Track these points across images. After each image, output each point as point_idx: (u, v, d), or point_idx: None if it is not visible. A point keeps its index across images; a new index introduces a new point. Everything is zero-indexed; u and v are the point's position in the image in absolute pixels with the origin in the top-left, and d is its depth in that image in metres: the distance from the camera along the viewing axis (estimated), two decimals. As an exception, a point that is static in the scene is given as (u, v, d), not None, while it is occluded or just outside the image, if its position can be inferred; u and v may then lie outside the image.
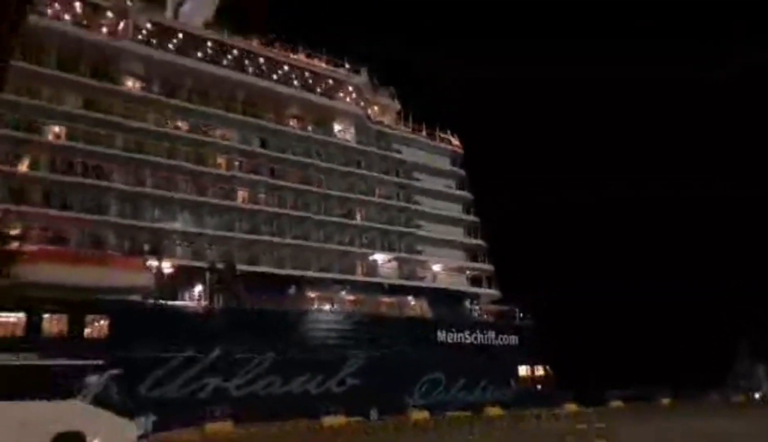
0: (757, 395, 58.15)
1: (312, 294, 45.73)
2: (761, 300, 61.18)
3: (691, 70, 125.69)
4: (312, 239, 47.30)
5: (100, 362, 16.73)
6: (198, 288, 38.73)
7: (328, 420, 33.62)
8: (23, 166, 37.14)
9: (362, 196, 51.13)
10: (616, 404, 46.80)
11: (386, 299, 50.00)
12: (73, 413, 15.68)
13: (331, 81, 51.53)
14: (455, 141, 60.37)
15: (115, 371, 16.63)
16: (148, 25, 42.27)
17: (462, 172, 59.65)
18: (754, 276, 65.16)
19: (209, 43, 45.21)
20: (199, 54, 45.00)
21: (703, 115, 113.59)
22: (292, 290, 44.58)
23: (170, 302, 36.91)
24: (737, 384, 61.20)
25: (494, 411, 41.38)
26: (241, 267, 40.82)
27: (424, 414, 37.66)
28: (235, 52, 46.22)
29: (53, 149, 38.42)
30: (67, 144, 38.73)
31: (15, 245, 32.92)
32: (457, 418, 37.04)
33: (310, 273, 45.84)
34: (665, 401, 49.57)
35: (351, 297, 48.05)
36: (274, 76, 48.49)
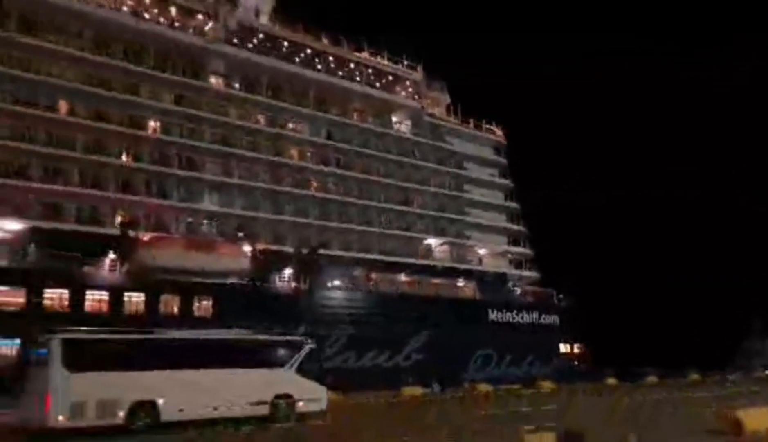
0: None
1: (375, 276, 49.62)
2: None
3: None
4: (374, 225, 51.03)
5: (301, 337, 20.65)
6: (287, 271, 42.53)
7: (408, 391, 37.45)
8: (129, 159, 40.79)
9: (418, 185, 54.75)
10: (651, 379, 50.69)
11: (438, 281, 53.90)
12: (285, 378, 19.70)
13: (390, 77, 54.91)
14: (498, 132, 63.83)
15: (310, 346, 20.55)
16: (233, 26, 45.47)
17: (504, 161, 63.22)
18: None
19: (285, 43, 48.46)
20: (275, 52, 48.29)
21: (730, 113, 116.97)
22: (357, 272, 48.45)
23: (263, 284, 40.81)
24: (748, 361, 64.29)
25: (547, 385, 45.40)
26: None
27: (488, 387, 41.62)
28: (308, 50, 49.50)
29: (152, 143, 42.04)
30: (165, 138, 42.33)
31: (135, 232, 36.83)
32: (517, 390, 40.95)
33: (374, 256, 49.65)
34: (694, 377, 53.39)
35: (408, 279, 51.93)
36: (340, 73, 51.85)
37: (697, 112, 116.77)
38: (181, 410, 17.35)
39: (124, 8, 42.89)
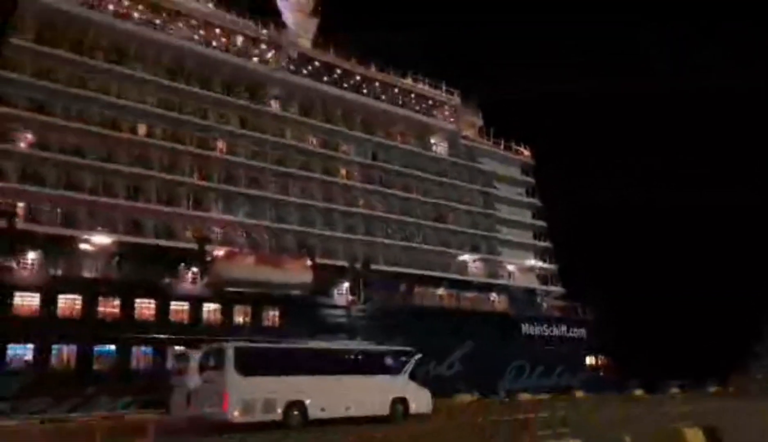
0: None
1: (418, 289, 52.71)
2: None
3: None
4: (414, 241, 54.18)
5: (409, 348, 23.77)
6: (344, 285, 45.62)
7: (459, 398, 40.48)
8: (200, 178, 43.90)
9: (453, 203, 57.98)
10: (674, 391, 53.79)
11: (472, 295, 57.04)
12: (401, 384, 22.78)
13: (430, 101, 58.30)
14: (526, 152, 67.19)
15: (418, 355, 23.66)
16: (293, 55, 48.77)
17: (531, 180, 66.53)
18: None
19: (337, 70, 51.78)
20: (328, 78, 51.62)
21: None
22: (402, 287, 51.53)
23: (323, 297, 43.92)
24: (762, 366, 66.76)
25: (580, 394, 48.45)
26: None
27: (528, 395, 44.67)
28: (357, 77, 52.83)
29: (220, 163, 45.18)
30: (231, 158, 45.49)
31: (212, 247, 39.94)
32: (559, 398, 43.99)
33: (416, 271, 52.75)
34: (714, 388, 56.45)
35: (446, 293, 55.05)
36: (384, 97, 55.18)
37: (724, 123, 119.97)
38: (322, 410, 20.36)
39: (196, 37, 46.14)
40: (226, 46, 46.29)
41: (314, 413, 20.18)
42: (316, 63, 50.66)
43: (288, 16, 54.32)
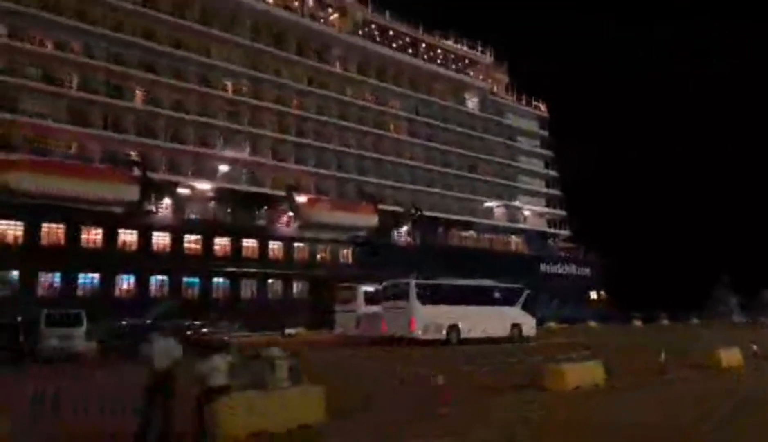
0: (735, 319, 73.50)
1: (455, 232, 59.62)
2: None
3: None
4: (452, 190, 60.66)
5: (521, 285, 30.69)
6: (403, 228, 52.14)
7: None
8: (280, 132, 49.08)
9: (483, 155, 64.33)
10: (665, 322, 62.73)
11: (494, 237, 64.33)
12: (516, 313, 29.77)
13: (466, 60, 63.70)
14: (542, 107, 73.49)
15: (528, 291, 30.61)
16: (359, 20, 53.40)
17: (546, 133, 73.15)
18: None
19: (391, 32, 56.59)
20: (381, 40, 56.46)
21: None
22: (441, 230, 58.33)
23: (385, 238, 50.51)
24: (715, 309, 76.82)
25: (593, 325, 56.84)
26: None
27: (553, 323, 52.63)
28: (406, 39, 57.76)
29: (294, 119, 50.28)
30: (303, 114, 50.61)
31: (300, 196, 45.77)
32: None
33: (452, 216, 59.44)
34: (695, 321, 65.59)
35: (474, 235, 62.14)
36: (425, 57, 60.41)
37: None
38: (469, 331, 27.23)
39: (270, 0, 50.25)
40: (301, 11, 50.51)
41: (465, 334, 27.06)
42: (372, 26, 55.26)
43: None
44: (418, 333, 25.55)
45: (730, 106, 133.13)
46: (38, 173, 33.25)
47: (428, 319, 26.01)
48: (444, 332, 26.46)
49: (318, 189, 50.78)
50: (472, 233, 61.67)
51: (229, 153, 45.35)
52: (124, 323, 25.83)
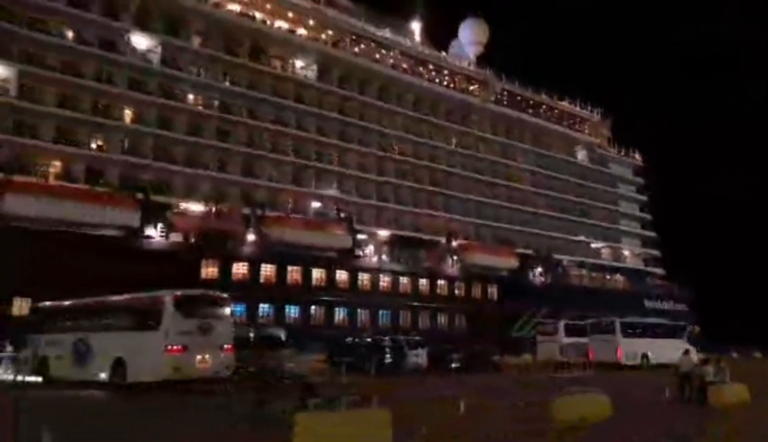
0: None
1: (567, 270, 67.48)
2: None
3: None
4: (569, 233, 68.70)
5: (684, 323, 38.56)
6: (538, 269, 60.44)
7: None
8: (432, 185, 58.07)
9: (590, 202, 72.33)
10: (757, 355, 68.69)
11: (600, 275, 71.89)
12: (682, 344, 37.51)
13: (578, 118, 72.35)
14: (638, 156, 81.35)
15: (690, 328, 38.43)
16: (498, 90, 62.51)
17: (641, 180, 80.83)
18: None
19: (518, 97, 65.64)
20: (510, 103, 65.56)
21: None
22: (560, 269, 66.28)
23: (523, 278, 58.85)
24: None
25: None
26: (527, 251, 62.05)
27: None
28: (519, 98, 66.81)
29: (442, 175, 59.29)
30: (449, 169, 59.57)
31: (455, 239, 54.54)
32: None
33: (567, 257, 67.41)
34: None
35: (585, 273, 69.85)
36: (544, 117, 69.25)
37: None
38: (655, 358, 35.14)
39: (404, 65, 59.54)
40: (453, 84, 59.97)
41: (653, 360, 35.03)
42: (504, 92, 64.44)
43: (469, 50, 68.03)
44: (623, 359, 33.65)
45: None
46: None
47: (628, 348, 34.12)
48: (638, 359, 34.50)
49: (463, 235, 59.51)
50: (583, 271, 69.43)
51: (395, 206, 54.41)
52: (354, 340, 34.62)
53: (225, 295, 18.46)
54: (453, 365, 29.05)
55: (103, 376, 17.59)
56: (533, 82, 70.02)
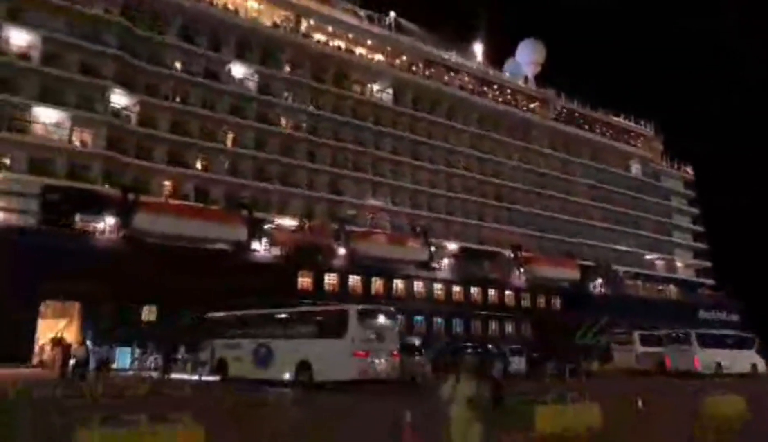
0: None
1: (624, 281, 69.63)
2: None
3: None
4: (624, 244, 70.91)
5: (753, 335, 40.81)
6: (598, 280, 62.91)
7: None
8: (497, 200, 61.01)
9: (645, 214, 74.40)
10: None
11: (654, 286, 73.81)
12: (752, 355, 39.77)
13: (632, 133, 74.68)
14: (689, 170, 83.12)
15: (758, 340, 40.63)
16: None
17: (692, 193, 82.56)
18: None
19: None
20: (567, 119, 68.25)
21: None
22: (618, 280, 68.43)
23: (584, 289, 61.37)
24: None
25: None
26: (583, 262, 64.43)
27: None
28: (576, 114, 69.39)
29: (505, 190, 62.19)
30: (511, 184, 62.45)
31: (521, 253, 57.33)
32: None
33: (624, 267, 69.58)
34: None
35: (639, 284, 71.89)
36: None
37: None
38: (727, 368, 37.49)
39: (470, 86, 62.72)
40: (516, 103, 62.99)
41: (726, 369, 37.41)
42: (563, 109, 67.20)
43: (527, 70, 70.96)
44: (699, 368, 36.17)
45: None
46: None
47: (704, 358, 36.61)
48: (713, 368, 36.95)
49: (526, 247, 62.26)
50: (638, 282, 71.51)
51: (462, 220, 57.51)
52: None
53: (392, 308, 21.77)
54: (549, 372, 31.95)
55: (287, 376, 21.01)
56: (587, 97, 72.95)
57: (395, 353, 20.57)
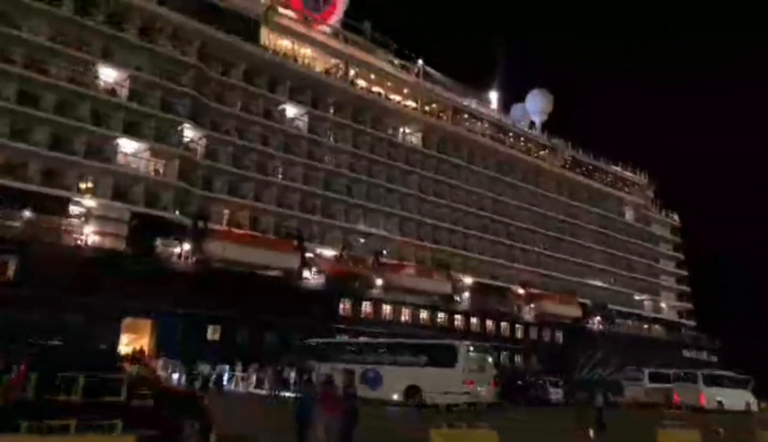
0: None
1: (618, 321, 74.86)
2: None
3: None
4: (618, 285, 76.27)
5: (749, 377, 45.79)
6: (596, 318, 67.87)
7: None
8: (509, 239, 65.74)
9: (636, 258, 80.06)
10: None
11: (640, 325, 79.24)
12: (747, 394, 44.69)
13: (627, 181, 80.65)
14: (676, 217, 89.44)
15: (752, 380, 45.65)
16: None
17: (678, 239, 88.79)
18: None
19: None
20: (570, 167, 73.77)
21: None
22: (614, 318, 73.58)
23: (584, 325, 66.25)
24: None
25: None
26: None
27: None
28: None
29: (516, 230, 66.99)
30: (521, 224, 67.35)
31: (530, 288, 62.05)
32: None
33: (616, 307, 74.81)
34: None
35: (629, 323, 77.21)
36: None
37: None
38: (729, 404, 42.28)
39: (488, 132, 67.83)
40: (528, 152, 68.24)
41: (726, 406, 42.20)
42: (569, 157, 72.73)
43: (535, 118, 76.54)
44: (705, 404, 40.93)
45: None
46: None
47: (709, 395, 41.43)
48: (715, 404, 41.75)
49: (532, 284, 66.96)
50: (628, 321, 76.82)
51: (478, 256, 62.05)
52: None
53: (488, 345, 25.92)
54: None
55: (395, 397, 24.89)
56: (585, 144, 78.75)
57: (493, 382, 24.65)
